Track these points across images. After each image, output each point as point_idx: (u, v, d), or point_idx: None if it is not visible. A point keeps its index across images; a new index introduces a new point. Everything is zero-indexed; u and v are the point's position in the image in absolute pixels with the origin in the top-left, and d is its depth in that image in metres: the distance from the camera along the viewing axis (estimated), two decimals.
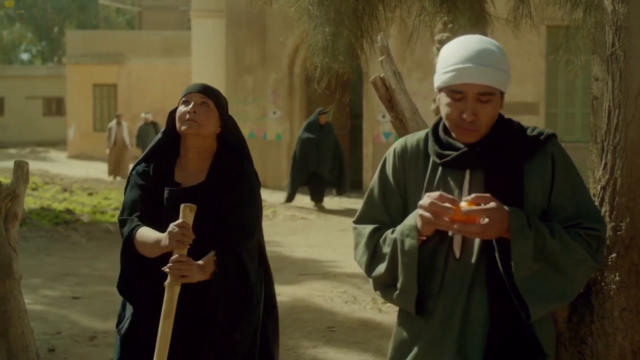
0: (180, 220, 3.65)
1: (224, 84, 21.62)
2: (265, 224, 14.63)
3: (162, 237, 3.73)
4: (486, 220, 2.83)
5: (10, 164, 17.99)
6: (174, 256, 3.65)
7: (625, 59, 3.14)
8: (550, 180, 2.95)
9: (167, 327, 3.63)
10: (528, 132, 3.00)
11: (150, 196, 3.97)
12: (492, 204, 2.82)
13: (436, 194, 2.86)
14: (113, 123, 24.72)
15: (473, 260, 2.93)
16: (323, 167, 16.48)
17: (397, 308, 3.15)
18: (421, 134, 3.12)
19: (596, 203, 3.23)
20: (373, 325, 7.89)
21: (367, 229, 3.12)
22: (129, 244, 3.90)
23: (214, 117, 3.98)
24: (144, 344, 3.87)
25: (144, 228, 3.87)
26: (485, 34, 7.22)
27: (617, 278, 3.18)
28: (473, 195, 2.86)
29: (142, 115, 25.00)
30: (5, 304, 5.24)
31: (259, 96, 20.53)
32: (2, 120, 42.45)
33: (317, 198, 16.99)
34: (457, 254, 2.96)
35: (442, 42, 9.83)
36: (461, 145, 2.96)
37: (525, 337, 2.93)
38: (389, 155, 3.14)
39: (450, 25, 8.32)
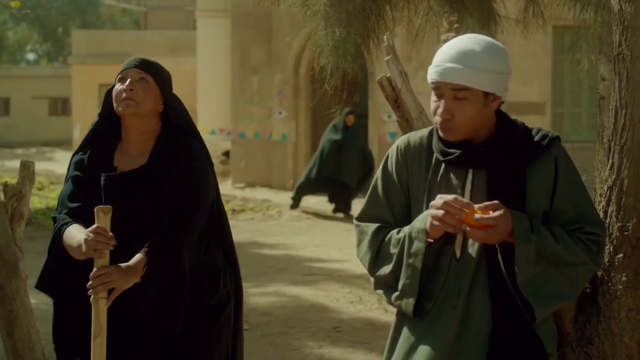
0: (94, 226, 3.30)
1: (230, 84, 21.64)
2: (271, 224, 14.72)
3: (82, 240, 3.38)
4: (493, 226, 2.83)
5: (16, 163, 18.03)
6: (94, 269, 3.31)
7: (632, 59, 3.13)
8: (552, 183, 2.95)
9: (100, 346, 3.31)
10: (533, 133, 3.00)
11: (86, 188, 3.61)
12: (500, 212, 2.82)
13: (452, 196, 2.85)
14: None
15: (474, 260, 2.93)
16: (345, 172, 14.90)
17: None
18: (424, 131, 3.12)
19: (603, 203, 3.23)
20: (379, 325, 7.88)
21: (371, 227, 3.11)
22: (54, 243, 3.55)
23: (154, 95, 3.61)
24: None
25: (73, 227, 3.49)
26: (490, 34, 7.23)
27: (624, 278, 3.18)
28: (484, 204, 2.85)
29: None
30: (11, 304, 5.24)
31: (265, 96, 20.53)
32: (8, 120, 42.50)
33: (340, 207, 15.38)
34: (458, 253, 2.95)
35: (447, 42, 9.81)
36: (465, 144, 2.96)
37: (528, 338, 2.93)
38: (392, 152, 3.13)
39: (456, 25, 8.32)
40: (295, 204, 15.79)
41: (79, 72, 32.77)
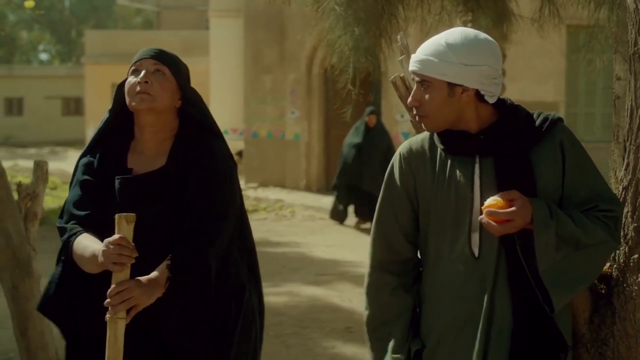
0: (116, 237, 2.95)
1: (242, 83, 21.65)
2: (284, 224, 14.72)
3: (98, 250, 3.01)
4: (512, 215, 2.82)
5: (29, 163, 18.08)
6: (112, 285, 2.96)
7: None
8: (561, 166, 2.94)
9: None
10: (535, 117, 3.00)
11: (97, 193, 3.23)
12: (520, 204, 2.81)
13: None
14: None
15: (493, 256, 2.92)
16: (366, 179, 13.44)
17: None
18: (425, 133, 3.12)
19: None
20: None
21: (382, 297, 3.17)
22: (64, 256, 3.19)
23: (171, 88, 3.26)
24: None
25: (83, 236, 3.13)
26: (504, 33, 7.20)
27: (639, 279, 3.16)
28: (501, 193, 2.84)
29: None
30: (24, 303, 5.26)
31: (278, 96, 20.54)
32: (21, 120, 42.65)
33: (361, 215, 14.11)
34: (476, 252, 2.94)
35: None
36: (464, 134, 2.97)
37: (549, 331, 2.94)
38: (395, 160, 3.12)
39: (469, 24, 8.30)
40: (337, 215, 14.45)
41: (92, 72, 32.86)
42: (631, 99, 3.17)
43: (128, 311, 2.98)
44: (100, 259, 2.97)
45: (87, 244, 3.09)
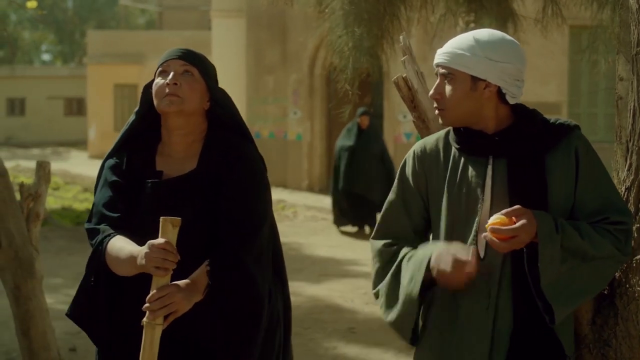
0: (161, 240, 2.87)
1: (245, 84, 21.65)
2: (286, 225, 14.72)
3: (139, 252, 2.94)
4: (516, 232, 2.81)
5: (31, 164, 18.09)
6: (152, 291, 2.89)
7: None
8: (574, 174, 2.93)
9: None
10: (551, 122, 3.00)
11: (126, 195, 3.16)
12: (523, 221, 2.80)
13: (463, 258, 2.86)
14: None
15: (499, 259, 2.92)
16: (361, 182, 12.95)
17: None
18: (440, 133, 3.13)
19: None
20: None
21: (382, 251, 3.11)
22: (96, 259, 3.09)
23: (200, 90, 3.19)
24: None
25: (118, 238, 3.06)
26: (507, 34, 7.20)
27: None
28: (505, 211, 2.83)
29: None
30: (27, 304, 5.26)
31: (280, 96, 20.54)
32: (23, 120, 42.67)
33: (360, 221, 13.49)
34: (482, 253, 2.94)
35: None
36: (480, 134, 2.97)
37: (548, 340, 2.93)
38: (408, 157, 3.13)
39: (472, 24, 8.29)
40: (336, 220, 13.82)
41: (94, 72, 32.87)
42: (634, 100, 3.16)
43: (166, 317, 2.91)
44: (140, 261, 2.90)
45: (122, 245, 3.02)
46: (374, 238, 3.17)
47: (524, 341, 2.91)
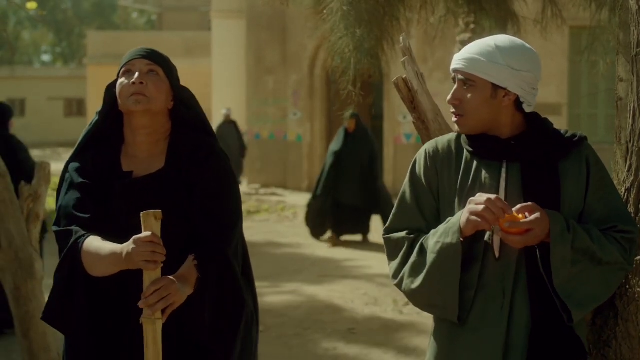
0: (147, 233, 2.84)
1: (245, 85, 21.64)
2: (286, 225, 14.73)
3: (122, 249, 2.90)
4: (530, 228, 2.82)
5: None
6: (147, 284, 2.85)
7: None
8: (585, 182, 2.96)
9: None
10: (562, 132, 3.03)
11: (94, 197, 3.12)
12: (537, 215, 2.82)
13: (494, 196, 2.84)
14: None
15: (514, 259, 2.92)
16: (343, 189, 12.23)
17: (417, 310, 3.13)
18: (452, 135, 3.13)
19: None
20: (394, 327, 7.87)
21: (404, 238, 3.06)
22: (71, 259, 3.02)
23: (165, 89, 3.17)
24: None
25: (93, 238, 3.01)
26: (507, 34, 7.20)
27: None
28: (519, 206, 2.84)
29: (223, 112, 20.43)
30: (27, 305, 5.26)
31: (280, 97, 20.54)
32: (23, 121, 42.63)
33: (338, 230, 12.60)
34: (497, 253, 2.94)
35: (463, 43, 9.80)
36: (494, 139, 2.98)
37: (568, 338, 2.93)
38: (420, 156, 3.11)
39: (472, 25, 8.30)
40: (313, 232, 12.78)
41: (94, 73, 32.88)
42: (634, 101, 3.16)
43: (162, 311, 2.88)
44: (124, 257, 2.87)
45: (100, 245, 2.98)
46: (387, 234, 3.15)
47: (543, 340, 2.91)
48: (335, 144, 12.57)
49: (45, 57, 62.55)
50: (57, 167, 23.11)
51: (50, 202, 16.34)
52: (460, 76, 2.97)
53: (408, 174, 3.13)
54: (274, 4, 6.30)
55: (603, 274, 2.93)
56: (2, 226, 5.24)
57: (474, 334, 2.96)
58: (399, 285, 3.06)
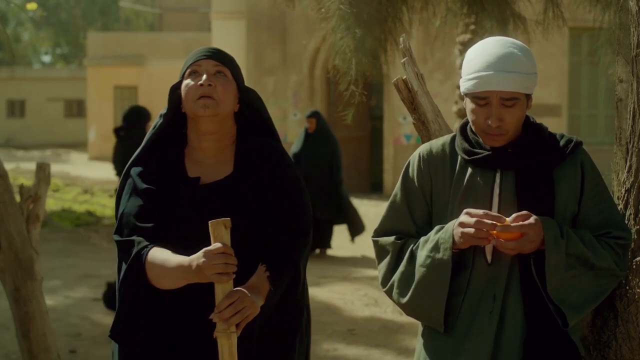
0: (217, 245, 2.70)
1: None
2: None
3: (190, 261, 2.76)
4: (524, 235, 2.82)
5: (31, 165, 18.09)
6: (221, 297, 2.71)
7: None
8: (579, 188, 2.96)
9: None
10: (557, 137, 3.01)
11: (159, 204, 2.96)
12: (531, 220, 2.81)
13: (480, 211, 2.83)
14: None
15: (506, 264, 2.92)
16: None
17: None
18: (446, 138, 3.11)
19: (621, 206, 3.21)
20: (394, 328, 7.87)
21: (392, 243, 3.05)
22: (136, 272, 2.87)
23: (233, 91, 3.02)
24: None
25: (157, 249, 2.87)
26: (508, 36, 7.21)
27: None
28: (513, 215, 2.84)
29: None
30: (26, 305, 5.26)
31: (280, 98, 20.54)
32: (23, 122, 42.65)
33: (316, 247, 11.38)
34: (489, 258, 2.93)
35: (463, 44, 9.81)
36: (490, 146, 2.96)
37: (563, 342, 2.93)
38: (413, 159, 3.10)
39: (472, 26, 8.29)
40: None
41: (94, 74, 32.86)
42: (633, 102, 3.16)
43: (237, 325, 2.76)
44: (194, 270, 2.73)
45: (166, 256, 2.83)
46: (375, 237, 3.14)
47: (538, 345, 2.90)
48: (295, 146, 11.68)
49: (46, 58, 62.57)
50: (56, 168, 22.83)
51: (50, 203, 16.36)
52: (505, 97, 2.85)
53: (401, 177, 3.11)
54: (279, 6, 6.29)
55: (596, 279, 2.93)
56: (2, 227, 5.24)
57: (462, 338, 2.96)
58: (388, 294, 3.06)
